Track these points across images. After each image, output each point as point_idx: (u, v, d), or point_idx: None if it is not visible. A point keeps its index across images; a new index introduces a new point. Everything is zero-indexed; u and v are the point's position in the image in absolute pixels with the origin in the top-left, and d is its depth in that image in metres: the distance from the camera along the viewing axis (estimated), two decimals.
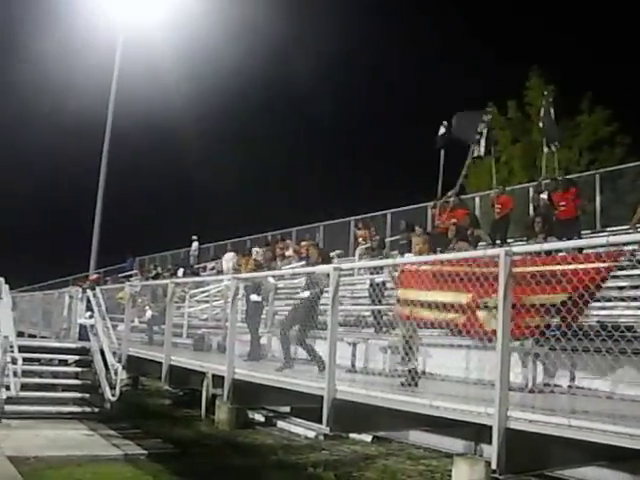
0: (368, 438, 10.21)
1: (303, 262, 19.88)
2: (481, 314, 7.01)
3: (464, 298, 7.04)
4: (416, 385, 7.58)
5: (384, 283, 11.32)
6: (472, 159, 18.68)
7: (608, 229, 15.45)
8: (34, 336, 18.67)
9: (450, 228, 16.39)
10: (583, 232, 15.48)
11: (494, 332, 6.04)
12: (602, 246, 6.85)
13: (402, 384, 7.63)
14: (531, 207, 17.73)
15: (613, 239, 6.68)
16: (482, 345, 7.58)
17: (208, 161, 48.38)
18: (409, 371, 7.67)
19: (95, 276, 25.19)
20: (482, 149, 17.63)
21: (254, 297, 11.71)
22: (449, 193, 17.55)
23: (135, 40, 30.05)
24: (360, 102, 49.77)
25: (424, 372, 7.81)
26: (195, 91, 44.03)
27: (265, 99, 49.21)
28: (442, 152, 18.40)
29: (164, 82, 34.72)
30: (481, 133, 17.19)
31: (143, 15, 30.00)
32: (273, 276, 14.57)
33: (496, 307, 5.93)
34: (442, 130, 18.69)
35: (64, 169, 47.60)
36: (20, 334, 17.55)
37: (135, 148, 44.93)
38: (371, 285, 13.18)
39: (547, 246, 6.66)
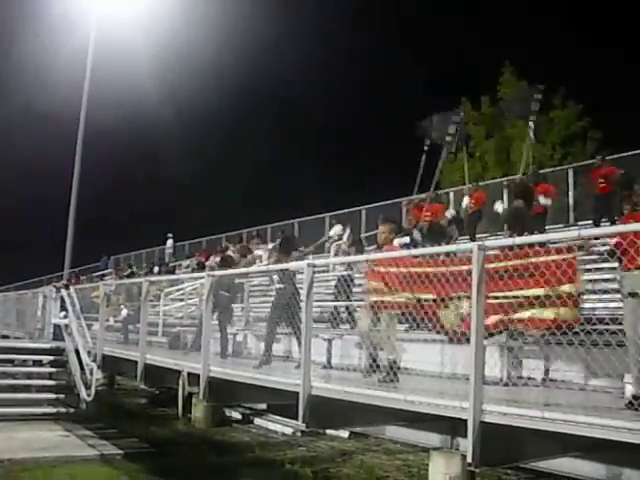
0: (345, 434, 10.22)
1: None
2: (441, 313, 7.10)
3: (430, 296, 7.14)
4: (397, 380, 7.59)
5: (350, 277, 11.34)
6: (447, 156, 18.94)
7: (579, 223, 15.62)
8: (8, 337, 18.47)
9: (424, 225, 16.61)
10: (556, 226, 15.69)
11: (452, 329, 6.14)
12: (574, 239, 6.94)
13: (379, 380, 7.65)
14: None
15: (585, 232, 6.76)
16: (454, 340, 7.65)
17: (183, 159, 48.20)
18: (391, 360, 7.69)
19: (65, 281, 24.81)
20: (453, 146, 17.86)
21: (223, 293, 11.76)
22: (424, 195, 17.74)
23: (110, 35, 29.78)
24: (338, 101, 49.71)
25: (399, 367, 7.82)
26: (173, 88, 43.90)
27: (245, 96, 49.10)
28: (424, 156, 18.56)
29: (141, 79, 34.41)
30: (452, 134, 17.39)
31: (119, 10, 29.79)
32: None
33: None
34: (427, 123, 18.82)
35: (37, 168, 47.06)
36: None
37: (110, 146, 44.63)
38: (339, 280, 13.17)
39: (519, 240, 6.71)
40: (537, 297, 6.63)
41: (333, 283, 15.22)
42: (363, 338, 8.45)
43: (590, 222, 14.83)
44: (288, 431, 10.58)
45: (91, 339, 13.04)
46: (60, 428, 10.45)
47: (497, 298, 6.76)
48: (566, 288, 6.63)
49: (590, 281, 10.31)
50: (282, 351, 12.84)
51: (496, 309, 6.85)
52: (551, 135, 26.79)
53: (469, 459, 5.63)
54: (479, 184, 18.73)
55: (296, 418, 7.64)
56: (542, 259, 6.73)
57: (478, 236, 16.06)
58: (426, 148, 18.11)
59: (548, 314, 6.73)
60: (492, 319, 6.90)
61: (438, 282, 6.96)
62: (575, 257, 6.66)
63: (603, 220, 14.20)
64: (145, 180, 52.09)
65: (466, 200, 17.48)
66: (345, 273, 12.10)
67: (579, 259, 6.62)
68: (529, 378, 8.39)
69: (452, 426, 7.37)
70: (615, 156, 16.20)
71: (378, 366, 7.91)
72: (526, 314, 6.89)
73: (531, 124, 16.93)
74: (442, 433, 8.50)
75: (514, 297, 6.80)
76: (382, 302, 7.77)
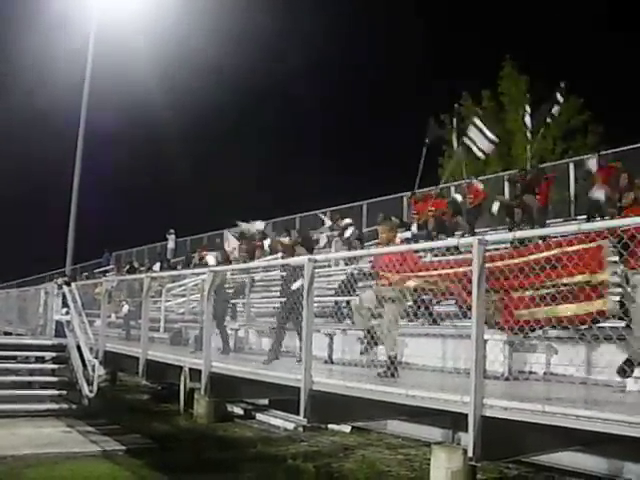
0: (347, 429, 10.24)
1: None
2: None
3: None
4: (398, 375, 7.60)
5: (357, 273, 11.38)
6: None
7: (579, 217, 15.61)
8: (10, 333, 18.50)
9: (429, 220, 16.66)
10: (557, 220, 15.70)
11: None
12: (575, 233, 6.92)
13: (379, 375, 7.66)
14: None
15: (585, 226, 6.75)
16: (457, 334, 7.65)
17: (184, 154, 48.11)
18: (392, 356, 7.70)
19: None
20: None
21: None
22: (427, 190, 17.91)
23: (110, 31, 29.82)
24: (339, 97, 49.65)
25: (400, 362, 7.83)
26: (173, 84, 43.79)
27: (246, 91, 48.99)
28: (424, 148, 18.65)
29: (142, 76, 34.37)
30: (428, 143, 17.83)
31: (119, 6, 29.82)
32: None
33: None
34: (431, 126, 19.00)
35: (39, 164, 47.05)
36: None
37: (111, 142, 44.57)
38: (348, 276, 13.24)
39: (520, 234, 6.71)
40: (576, 284, 6.60)
41: (334, 278, 15.27)
42: (359, 309, 8.40)
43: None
44: (290, 426, 10.60)
45: (93, 335, 13.05)
46: (62, 424, 10.48)
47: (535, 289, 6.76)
48: (600, 276, 6.61)
49: None
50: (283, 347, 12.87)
51: (527, 303, 6.87)
52: (552, 129, 26.72)
53: (470, 453, 5.63)
54: (477, 178, 18.81)
55: (298, 413, 7.65)
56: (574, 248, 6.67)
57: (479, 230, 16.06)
58: (427, 144, 18.26)
59: (586, 308, 6.68)
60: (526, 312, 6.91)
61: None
62: (601, 245, 6.60)
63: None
64: (147, 176, 52.00)
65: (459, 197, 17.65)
66: (355, 271, 12.12)
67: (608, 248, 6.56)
68: (530, 372, 8.39)
69: (453, 420, 7.37)
70: (616, 150, 16.20)
71: (376, 343, 7.94)
72: (567, 311, 6.83)
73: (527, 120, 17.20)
74: (444, 427, 8.50)
75: (553, 286, 6.74)
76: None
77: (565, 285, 6.63)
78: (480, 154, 18.15)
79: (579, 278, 6.59)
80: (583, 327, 6.93)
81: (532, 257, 6.65)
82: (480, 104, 28.37)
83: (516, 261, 6.98)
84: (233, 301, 15.21)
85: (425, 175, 18.79)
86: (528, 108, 17.85)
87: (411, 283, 7.54)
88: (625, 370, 5.64)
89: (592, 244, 6.53)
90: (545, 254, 6.75)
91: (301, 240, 13.41)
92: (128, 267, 26.26)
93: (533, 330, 7.09)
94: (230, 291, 14.30)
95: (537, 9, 36.47)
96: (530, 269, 6.71)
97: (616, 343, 6.36)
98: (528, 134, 18.01)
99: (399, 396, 6.60)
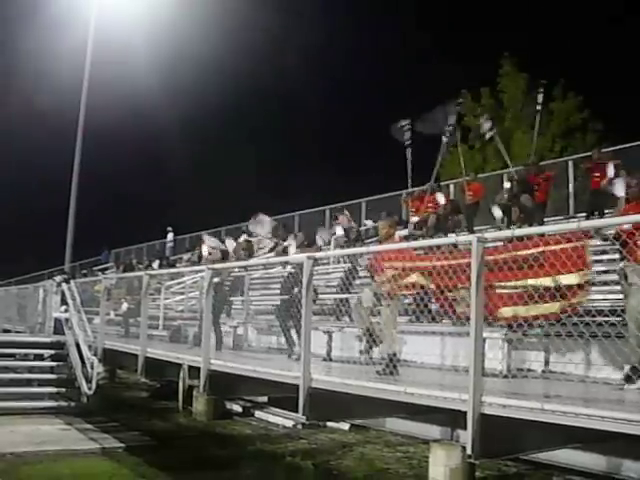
0: (345, 426, 10.24)
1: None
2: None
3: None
4: (397, 372, 7.61)
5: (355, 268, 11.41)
6: (447, 149, 19.08)
7: (579, 215, 15.62)
8: (9, 331, 18.50)
9: (430, 218, 16.64)
10: (556, 218, 15.70)
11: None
12: (573, 231, 6.93)
13: (378, 372, 7.67)
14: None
15: (584, 224, 6.75)
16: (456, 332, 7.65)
17: (183, 152, 48.07)
18: (390, 354, 7.71)
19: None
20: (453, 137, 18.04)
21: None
22: (425, 187, 17.83)
23: (110, 31, 29.83)
24: (337, 94, 49.66)
25: (399, 360, 7.83)
26: (173, 82, 43.72)
27: (245, 89, 48.89)
28: (408, 149, 18.59)
29: (141, 74, 34.31)
30: (453, 125, 17.53)
31: (118, 4, 29.82)
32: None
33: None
34: (405, 127, 18.75)
35: (37, 161, 47.00)
36: None
37: (110, 140, 44.50)
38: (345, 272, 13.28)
39: (518, 232, 6.71)
40: (547, 288, 6.66)
41: (334, 276, 15.29)
42: (358, 309, 8.43)
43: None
44: (289, 424, 10.60)
45: (92, 333, 13.05)
46: (61, 422, 10.48)
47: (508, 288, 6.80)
48: (572, 278, 6.65)
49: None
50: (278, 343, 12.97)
51: (506, 301, 6.89)
52: (551, 127, 26.72)
53: (469, 451, 5.64)
54: (476, 175, 18.81)
55: (296, 411, 7.66)
56: (552, 248, 6.73)
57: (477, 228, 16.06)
58: (407, 143, 18.24)
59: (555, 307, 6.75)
60: (506, 311, 6.95)
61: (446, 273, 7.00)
62: (584, 245, 6.63)
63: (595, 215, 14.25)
64: (146, 173, 51.98)
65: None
66: (350, 266, 12.16)
67: (589, 247, 6.60)
68: (529, 370, 8.40)
69: (452, 418, 7.37)
70: (615, 148, 16.21)
71: (375, 342, 7.96)
72: (540, 309, 6.89)
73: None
74: (442, 425, 8.51)
75: (523, 287, 6.82)
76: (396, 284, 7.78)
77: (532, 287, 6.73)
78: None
79: (547, 281, 6.68)
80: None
81: (518, 253, 6.68)
82: (479, 102, 28.38)
83: (499, 257, 7.04)
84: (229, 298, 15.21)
85: (423, 174, 18.74)
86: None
87: (412, 278, 7.54)
88: (630, 377, 5.64)
89: (573, 244, 6.58)
90: (516, 253, 6.81)
91: (307, 243, 13.39)
92: (124, 266, 26.24)
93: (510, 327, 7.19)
94: (227, 289, 14.29)
95: (537, 6, 36.45)
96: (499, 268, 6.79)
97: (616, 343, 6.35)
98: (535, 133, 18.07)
99: (398, 394, 6.61)
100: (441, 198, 17.23)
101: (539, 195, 14.88)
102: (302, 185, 39.18)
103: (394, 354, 7.75)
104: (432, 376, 8.23)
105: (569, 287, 6.76)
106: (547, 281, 6.74)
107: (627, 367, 6.47)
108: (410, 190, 18.58)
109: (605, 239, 6.41)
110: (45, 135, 44.85)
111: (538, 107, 17.27)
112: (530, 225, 12.78)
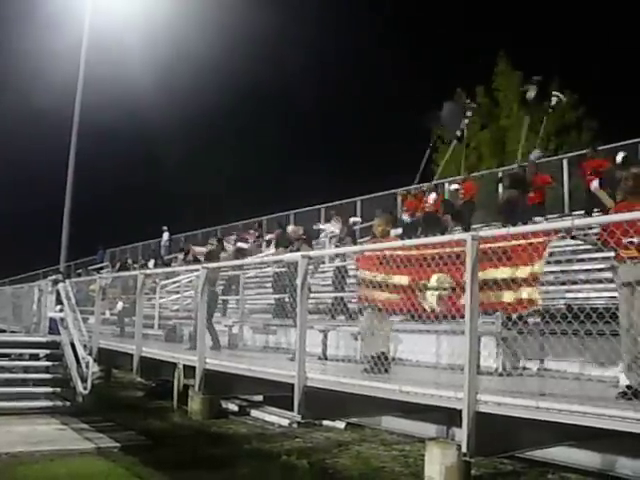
0: (341, 425, 10.24)
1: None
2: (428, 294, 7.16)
3: (405, 280, 7.20)
4: (386, 371, 7.63)
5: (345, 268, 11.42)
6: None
7: (574, 213, 15.63)
8: (4, 331, 18.45)
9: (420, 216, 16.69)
10: (551, 216, 15.70)
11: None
12: (568, 229, 6.94)
13: (365, 370, 7.69)
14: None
15: (579, 222, 6.76)
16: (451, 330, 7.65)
17: (179, 152, 48.07)
18: (375, 356, 7.71)
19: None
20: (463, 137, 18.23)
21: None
22: (424, 186, 17.92)
23: (105, 30, 29.79)
24: (335, 94, 49.63)
25: (394, 358, 7.85)
26: (170, 82, 43.59)
27: (243, 90, 48.85)
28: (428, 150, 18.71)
29: (138, 73, 34.26)
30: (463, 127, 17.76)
31: (115, 5, 29.79)
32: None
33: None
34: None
35: (32, 161, 46.87)
36: None
37: (104, 139, 44.46)
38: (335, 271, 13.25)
39: (513, 230, 6.71)
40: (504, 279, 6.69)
41: (329, 274, 15.29)
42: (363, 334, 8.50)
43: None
44: (284, 422, 10.60)
45: (87, 332, 13.04)
46: (57, 421, 10.47)
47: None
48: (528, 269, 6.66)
49: (585, 270, 10.37)
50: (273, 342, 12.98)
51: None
52: (546, 124, 26.73)
53: (464, 449, 5.65)
54: (470, 174, 18.88)
55: (292, 409, 7.65)
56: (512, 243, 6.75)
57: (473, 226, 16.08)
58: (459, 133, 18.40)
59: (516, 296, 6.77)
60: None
61: (413, 265, 7.07)
62: (544, 242, 6.63)
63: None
64: (142, 172, 51.93)
65: (454, 186, 17.70)
66: (340, 264, 12.16)
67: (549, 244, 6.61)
68: (524, 368, 8.41)
69: (448, 416, 7.38)
70: (610, 145, 16.22)
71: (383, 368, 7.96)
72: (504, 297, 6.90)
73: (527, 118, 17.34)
74: (438, 423, 8.50)
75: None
76: (366, 298, 7.86)
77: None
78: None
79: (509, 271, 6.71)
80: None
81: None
82: (474, 100, 28.39)
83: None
84: (223, 297, 15.21)
85: (423, 173, 18.84)
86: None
87: (403, 279, 7.53)
88: (626, 393, 5.63)
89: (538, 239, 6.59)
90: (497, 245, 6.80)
91: (305, 237, 13.38)
92: (119, 266, 26.22)
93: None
94: (220, 288, 14.31)
95: (532, 5, 36.52)
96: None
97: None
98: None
99: (393, 392, 6.61)
100: (432, 197, 17.25)
101: (535, 196, 14.88)
102: (299, 184, 39.15)
103: (383, 353, 7.76)
104: (427, 374, 8.24)
105: (524, 279, 6.76)
106: (505, 272, 6.74)
107: (622, 380, 6.46)
108: (408, 187, 18.67)
109: (594, 244, 6.39)
110: (40, 135, 44.78)
111: (531, 95, 17.18)
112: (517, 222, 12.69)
